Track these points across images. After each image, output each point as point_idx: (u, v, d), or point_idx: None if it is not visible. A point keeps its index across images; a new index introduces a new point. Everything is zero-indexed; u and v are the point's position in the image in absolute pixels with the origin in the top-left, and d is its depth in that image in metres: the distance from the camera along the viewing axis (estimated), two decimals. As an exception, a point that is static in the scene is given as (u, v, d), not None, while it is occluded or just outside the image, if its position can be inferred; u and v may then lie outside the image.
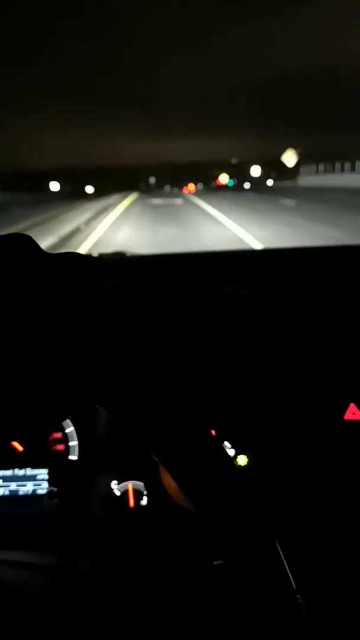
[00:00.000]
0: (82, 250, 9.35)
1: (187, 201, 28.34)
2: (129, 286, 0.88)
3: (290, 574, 0.62)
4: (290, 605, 0.62)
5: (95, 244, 9.62)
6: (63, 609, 0.52)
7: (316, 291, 0.86)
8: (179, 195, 50.36)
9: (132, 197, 34.00)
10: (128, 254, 1.14)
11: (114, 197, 32.61)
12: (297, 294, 0.86)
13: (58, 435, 0.86)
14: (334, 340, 0.82)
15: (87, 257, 1.24)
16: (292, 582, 0.62)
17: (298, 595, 0.61)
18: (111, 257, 1.13)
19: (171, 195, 47.59)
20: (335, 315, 0.84)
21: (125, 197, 32.92)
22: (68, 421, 0.85)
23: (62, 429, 0.85)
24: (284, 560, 0.65)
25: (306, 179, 42.44)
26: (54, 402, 0.74)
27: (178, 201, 26.60)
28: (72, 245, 9.48)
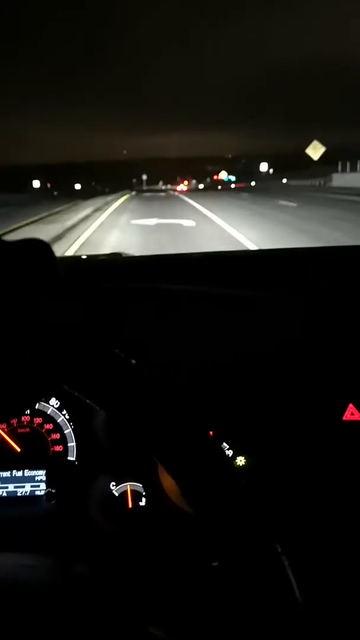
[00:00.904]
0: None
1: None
2: (125, 288, 0.90)
3: (291, 576, 0.66)
4: (289, 606, 0.62)
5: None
6: (61, 610, 0.53)
7: (313, 292, 0.89)
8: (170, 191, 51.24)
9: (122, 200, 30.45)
10: (124, 255, 1.16)
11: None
12: (293, 295, 0.88)
13: (56, 436, 0.87)
14: (332, 341, 0.83)
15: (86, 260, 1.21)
16: (293, 583, 0.66)
17: (297, 595, 0.64)
18: (107, 258, 1.16)
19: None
20: (332, 316, 0.85)
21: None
22: (66, 422, 0.87)
23: (59, 428, 0.87)
24: (284, 561, 0.70)
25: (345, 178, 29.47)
26: (29, 382, 0.75)
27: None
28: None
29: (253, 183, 69.51)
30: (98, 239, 9.87)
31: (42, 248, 0.76)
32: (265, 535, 0.72)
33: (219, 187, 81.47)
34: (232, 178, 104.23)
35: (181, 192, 58.49)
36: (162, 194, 44.10)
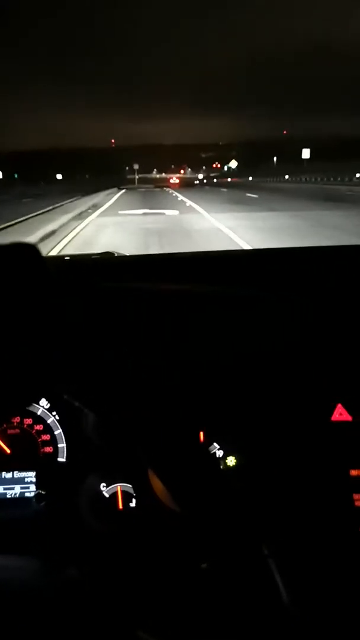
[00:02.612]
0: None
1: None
2: (118, 288, 0.95)
3: (277, 577, 0.71)
4: (276, 607, 0.69)
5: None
6: (51, 613, 0.55)
7: (301, 293, 0.93)
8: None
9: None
10: (115, 255, 1.23)
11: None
12: (283, 295, 0.93)
13: (46, 437, 0.92)
14: (320, 342, 0.88)
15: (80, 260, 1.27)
16: (280, 584, 0.70)
17: (284, 595, 0.69)
18: (99, 258, 1.21)
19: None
20: (321, 317, 0.90)
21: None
22: (56, 423, 0.92)
23: (49, 429, 0.92)
24: (271, 562, 0.73)
25: None
26: (26, 384, 0.81)
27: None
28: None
29: (250, 178, 66.87)
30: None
31: (30, 251, 0.81)
32: (252, 537, 0.78)
33: (215, 179, 79.25)
34: (233, 166, 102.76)
35: (174, 186, 54.19)
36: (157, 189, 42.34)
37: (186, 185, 59.90)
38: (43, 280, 0.81)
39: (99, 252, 1.26)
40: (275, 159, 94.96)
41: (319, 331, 0.88)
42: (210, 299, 0.95)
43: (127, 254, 1.23)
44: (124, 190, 36.76)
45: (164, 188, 39.88)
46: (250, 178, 69.47)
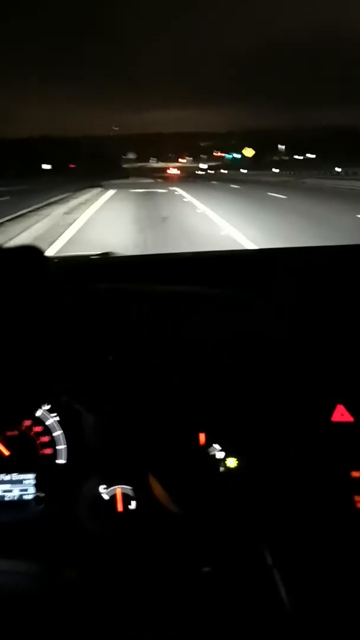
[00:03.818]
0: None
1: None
2: (118, 289, 1.01)
3: (279, 581, 0.74)
4: (277, 610, 0.72)
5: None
6: (50, 615, 0.59)
7: (302, 293, 0.96)
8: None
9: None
10: (113, 255, 1.25)
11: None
12: (283, 296, 0.96)
13: (45, 438, 0.95)
14: (321, 343, 0.93)
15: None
16: (281, 588, 0.74)
17: (285, 598, 0.72)
18: (98, 258, 1.24)
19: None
20: (322, 319, 0.95)
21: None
22: (56, 424, 0.95)
23: (50, 432, 0.95)
24: (272, 566, 0.77)
25: None
26: (29, 389, 0.90)
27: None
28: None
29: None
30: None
31: (33, 254, 0.86)
32: (253, 539, 0.82)
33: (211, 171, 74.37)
34: (238, 156, 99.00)
35: (173, 178, 50.96)
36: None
37: (188, 177, 56.14)
38: (44, 283, 0.84)
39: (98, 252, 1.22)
40: (283, 147, 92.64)
41: (319, 332, 0.91)
42: (211, 300, 0.98)
43: (126, 254, 1.26)
44: (109, 195, 22.32)
45: (170, 188, 27.34)
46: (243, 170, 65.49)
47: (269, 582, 0.76)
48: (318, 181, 29.79)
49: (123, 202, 18.46)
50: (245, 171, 62.11)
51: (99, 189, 26.55)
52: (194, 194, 22.58)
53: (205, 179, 49.69)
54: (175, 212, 14.14)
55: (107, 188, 27.81)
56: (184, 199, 19.52)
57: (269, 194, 21.56)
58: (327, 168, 38.95)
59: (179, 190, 26.33)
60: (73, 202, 17.48)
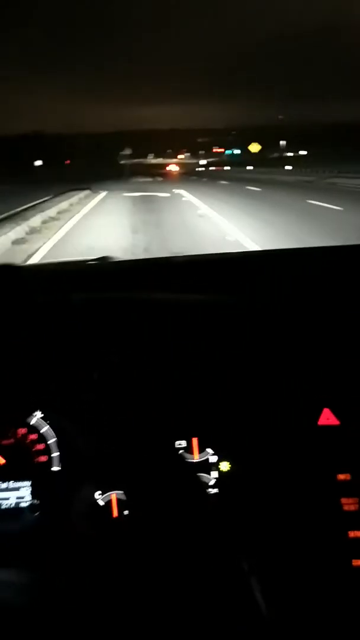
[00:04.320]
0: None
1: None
2: (108, 298, 1.04)
3: (257, 590, 0.77)
4: (256, 618, 0.74)
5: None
6: (46, 623, 0.61)
7: (289, 299, 0.99)
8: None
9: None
10: (110, 260, 1.28)
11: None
12: (275, 301, 0.99)
13: (40, 446, 0.97)
14: (307, 348, 0.95)
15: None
16: (259, 598, 0.76)
17: (263, 608, 0.75)
18: (95, 264, 1.26)
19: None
20: (309, 324, 0.97)
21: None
22: (50, 431, 0.97)
23: (45, 440, 0.97)
24: (249, 572, 0.79)
25: None
26: (21, 396, 0.93)
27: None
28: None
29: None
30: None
31: (8, 272, 0.89)
32: (234, 548, 0.84)
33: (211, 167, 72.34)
34: (238, 152, 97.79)
35: (172, 175, 50.03)
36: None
37: (189, 174, 54.25)
38: (23, 298, 0.88)
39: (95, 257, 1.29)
40: (284, 143, 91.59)
41: (306, 337, 0.94)
42: (199, 307, 1.01)
43: (123, 259, 1.28)
44: (96, 202, 18.65)
45: (174, 191, 22.71)
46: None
47: (248, 589, 0.79)
48: (349, 181, 24.55)
49: (111, 215, 13.98)
50: (250, 168, 58.22)
51: (85, 192, 21.61)
52: (206, 199, 17.69)
53: (211, 177, 45.36)
54: (186, 233, 10.30)
55: (95, 191, 23.19)
56: (199, 211, 14.16)
57: (311, 202, 15.74)
58: (345, 165, 32.68)
59: (185, 194, 21.03)
60: (36, 220, 12.08)
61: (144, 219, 12.57)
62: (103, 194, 21.62)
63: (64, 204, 16.49)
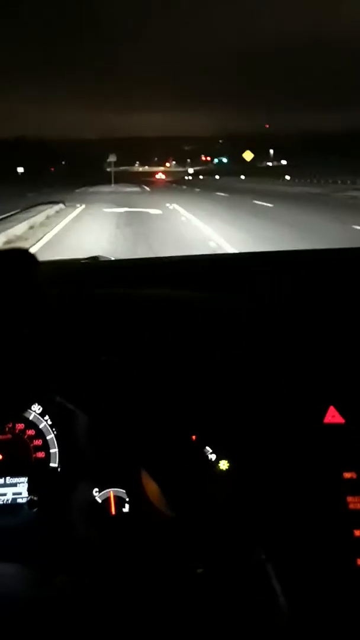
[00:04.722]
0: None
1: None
2: (110, 293, 0.99)
3: (274, 581, 0.76)
4: (273, 611, 0.74)
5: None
6: (43, 620, 0.59)
7: (293, 297, 0.99)
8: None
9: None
10: (101, 259, 1.30)
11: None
12: (277, 299, 0.99)
13: (38, 442, 0.97)
14: (312, 345, 0.91)
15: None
16: (277, 588, 0.76)
17: (280, 599, 0.75)
18: (90, 263, 1.28)
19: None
20: (314, 320, 0.93)
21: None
22: (48, 427, 0.97)
23: (43, 435, 0.97)
24: (267, 566, 0.78)
25: None
26: (19, 388, 0.76)
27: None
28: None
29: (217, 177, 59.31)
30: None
31: (24, 258, 0.82)
32: (247, 541, 0.84)
33: (200, 176, 73.54)
34: (225, 160, 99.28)
35: (159, 183, 49.18)
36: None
37: (178, 182, 52.62)
38: (37, 286, 0.82)
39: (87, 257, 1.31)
40: (272, 152, 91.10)
41: (310, 334, 0.93)
42: (199, 303, 1.00)
43: (113, 259, 1.31)
44: (73, 215, 16.14)
45: (167, 205, 19.43)
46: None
47: (264, 583, 0.78)
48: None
49: (86, 243, 10.49)
50: (242, 177, 55.95)
51: (56, 208, 17.42)
52: (210, 220, 13.91)
53: (206, 187, 40.44)
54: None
55: (70, 204, 19.04)
56: (210, 243, 10.04)
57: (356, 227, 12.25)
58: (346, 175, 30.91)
59: (182, 212, 16.88)
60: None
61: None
62: (79, 208, 17.73)
63: (21, 226, 12.41)
